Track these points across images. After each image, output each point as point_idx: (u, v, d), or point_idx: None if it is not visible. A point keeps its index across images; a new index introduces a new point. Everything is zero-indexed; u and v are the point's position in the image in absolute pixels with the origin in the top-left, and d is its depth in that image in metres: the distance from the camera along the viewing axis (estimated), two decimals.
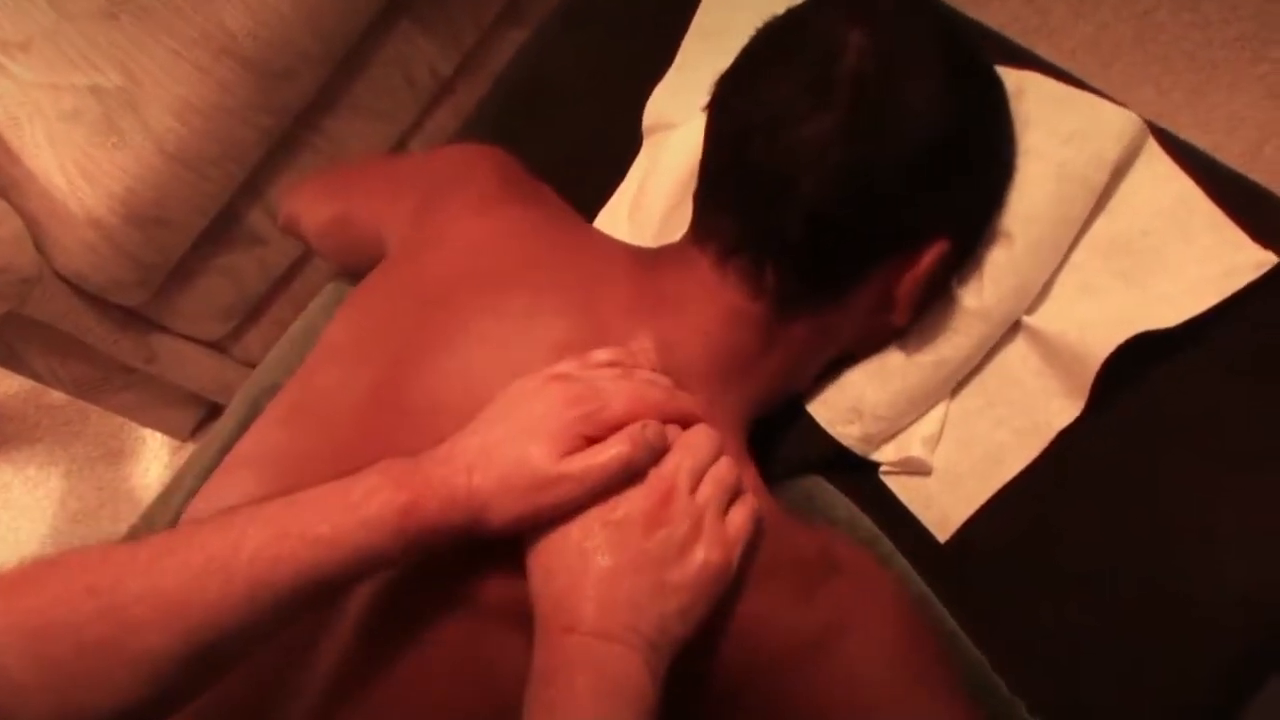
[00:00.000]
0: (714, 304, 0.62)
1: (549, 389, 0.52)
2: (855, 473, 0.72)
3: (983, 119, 0.65)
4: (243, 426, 0.72)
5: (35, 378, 1.29)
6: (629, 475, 0.50)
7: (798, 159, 0.58)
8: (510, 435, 0.50)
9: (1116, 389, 0.67)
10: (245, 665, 0.48)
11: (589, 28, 0.94)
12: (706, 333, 0.62)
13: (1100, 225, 0.70)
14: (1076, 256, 0.70)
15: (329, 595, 0.49)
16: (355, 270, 0.78)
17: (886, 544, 0.69)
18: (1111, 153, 0.68)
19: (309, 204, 0.86)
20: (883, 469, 0.72)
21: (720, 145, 0.64)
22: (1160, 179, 0.70)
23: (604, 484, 0.50)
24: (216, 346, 1.37)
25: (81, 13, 1.06)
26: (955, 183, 0.62)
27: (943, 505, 0.71)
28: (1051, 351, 0.69)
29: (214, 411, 1.51)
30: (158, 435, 1.59)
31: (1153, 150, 0.71)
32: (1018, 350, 0.71)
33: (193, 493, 0.74)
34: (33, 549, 1.57)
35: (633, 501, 0.50)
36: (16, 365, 1.25)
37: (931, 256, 0.61)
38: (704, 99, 0.64)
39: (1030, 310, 0.70)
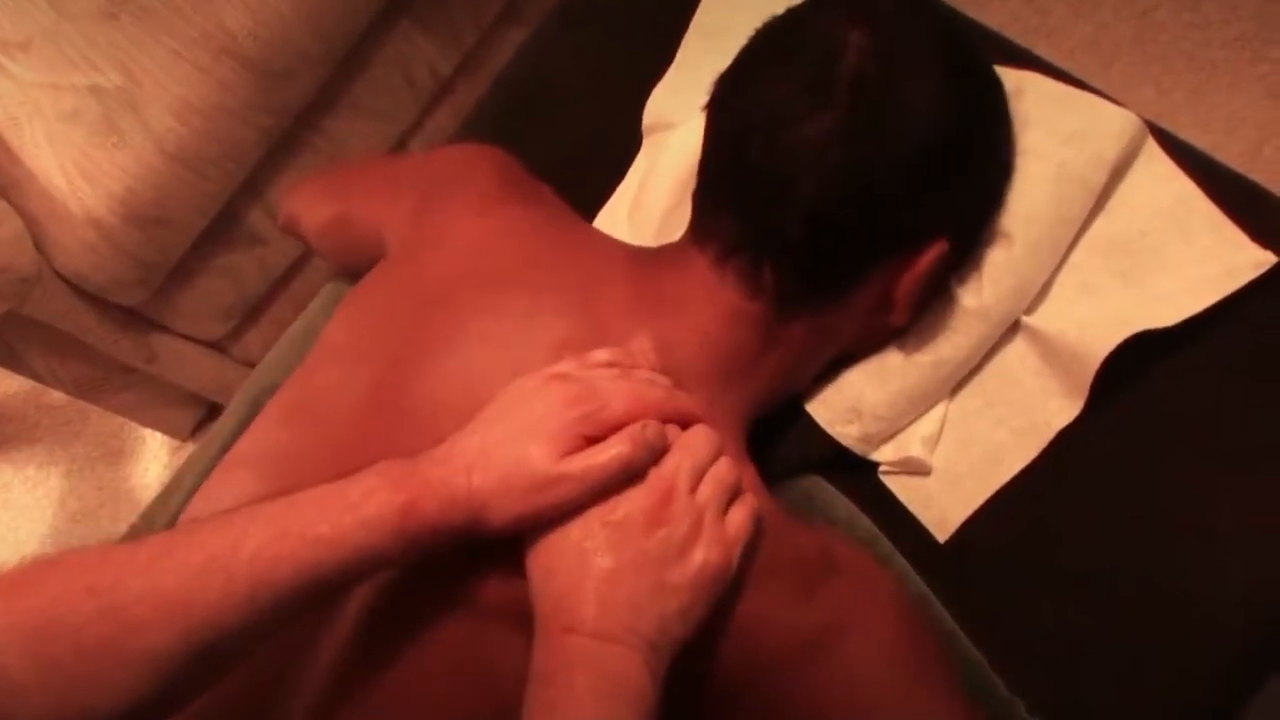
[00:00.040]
0: (713, 304, 0.62)
1: (549, 389, 0.52)
2: (855, 473, 0.72)
3: (982, 119, 0.65)
4: (242, 426, 0.72)
5: (35, 378, 1.29)
6: (629, 475, 0.50)
7: (797, 159, 0.58)
8: (510, 435, 0.51)
9: (1115, 389, 0.67)
10: (245, 665, 0.48)
11: (589, 28, 0.94)
12: (705, 333, 0.62)
13: (1099, 225, 0.70)
14: (1076, 256, 0.70)
15: (329, 595, 0.49)
16: (355, 270, 0.78)
17: (886, 544, 0.69)
18: (1111, 153, 0.68)
19: (309, 204, 0.86)
20: (882, 469, 0.73)
21: (720, 145, 0.64)
22: (1160, 179, 0.70)
23: (604, 484, 0.50)
24: (216, 346, 1.37)
25: (81, 13, 1.06)
26: (955, 183, 0.62)
27: (942, 505, 0.71)
28: (1051, 351, 0.69)
29: (214, 411, 1.51)
30: (157, 435, 1.59)
31: (1152, 150, 0.71)
32: (1017, 350, 0.71)
33: (192, 492, 0.74)
34: (33, 549, 1.57)
35: (632, 502, 0.50)
36: (16, 365, 1.25)
37: (931, 257, 0.61)
38: (704, 99, 0.64)
39: (1029, 310, 0.70)
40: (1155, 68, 1.35)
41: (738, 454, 0.59)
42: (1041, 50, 0.77)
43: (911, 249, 0.61)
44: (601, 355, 0.56)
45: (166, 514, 0.79)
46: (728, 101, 0.63)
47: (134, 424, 1.54)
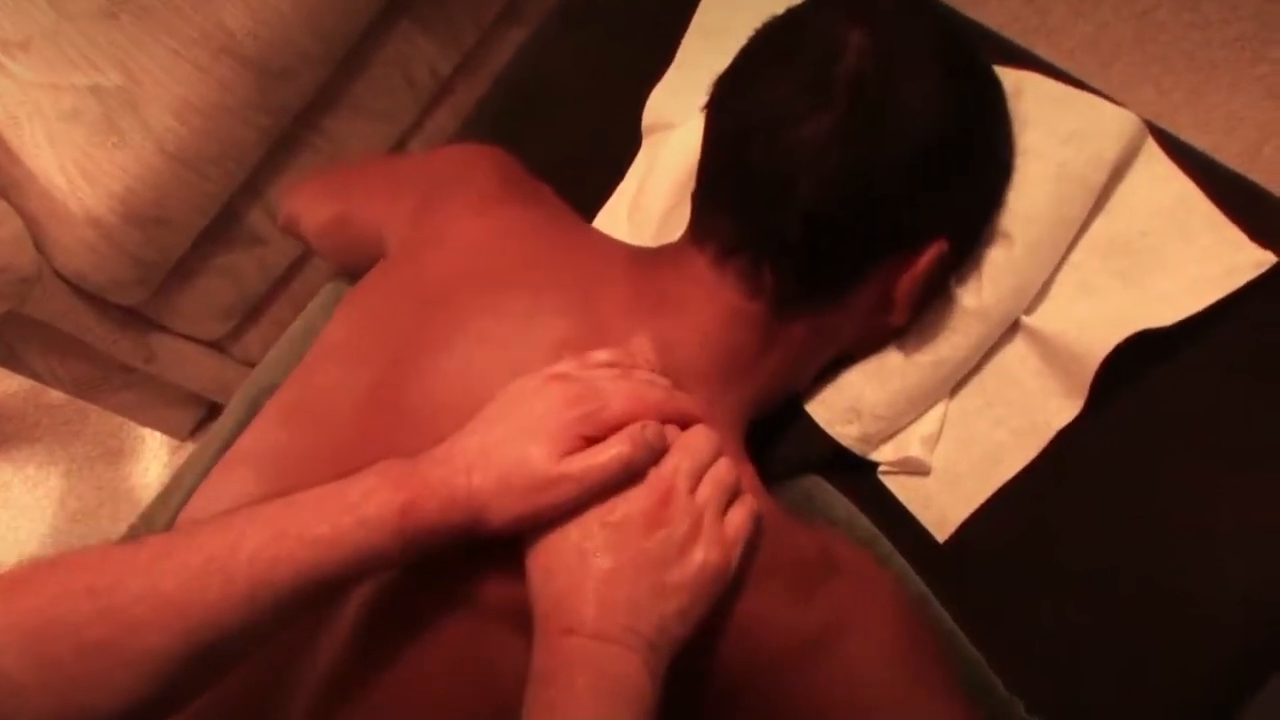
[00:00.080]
0: (713, 304, 0.62)
1: (548, 389, 0.52)
2: (854, 473, 0.72)
3: (981, 119, 0.65)
4: (242, 426, 0.72)
5: (35, 377, 1.29)
6: (628, 476, 0.50)
7: (796, 159, 0.58)
8: (510, 435, 0.51)
9: (1115, 388, 0.67)
10: (245, 665, 0.48)
11: (589, 28, 0.94)
12: (705, 333, 0.62)
13: (1099, 225, 0.70)
14: (1075, 256, 0.70)
15: (329, 595, 0.49)
16: (355, 270, 0.78)
17: (885, 544, 0.69)
18: (1110, 153, 0.68)
19: (309, 204, 0.86)
20: (881, 469, 0.73)
21: (719, 145, 0.64)
22: (1159, 179, 0.70)
23: (603, 484, 0.50)
24: (216, 346, 1.37)
25: (81, 12, 1.06)
26: (954, 183, 0.62)
27: (941, 505, 0.71)
28: (1050, 351, 0.69)
29: (213, 411, 1.51)
30: (157, 435, 1.59)
31: (1152, 150, 0.71)
32: (1016, 350, 0.71)
33: (192, 492, 0.74)
34: (32, 549, 1.57)
35: (632, 502, 0.50)
36: (16, 365, 1.25)
37: (930, 256, 0.61)
38: (703, 99, 0.64)
39: (1029, 310, 0.70)
40: (1155, 68, 1.35)
41: (737, 454, 0.59)
42: (1041, 50, 0.77)
43: (911, 249, 0.61)
44: (601, 355, 0.56)
45: (166, 514, 0.79)
46: (727, 102, 0.63)
47: (133, 423, 1.54)
